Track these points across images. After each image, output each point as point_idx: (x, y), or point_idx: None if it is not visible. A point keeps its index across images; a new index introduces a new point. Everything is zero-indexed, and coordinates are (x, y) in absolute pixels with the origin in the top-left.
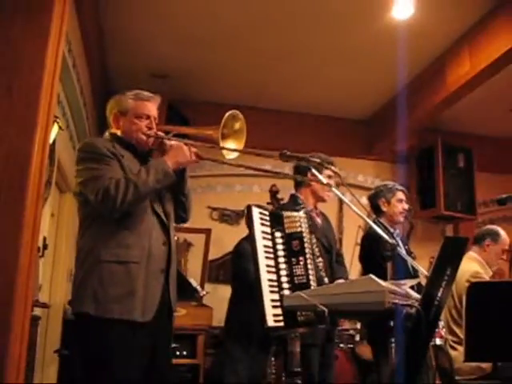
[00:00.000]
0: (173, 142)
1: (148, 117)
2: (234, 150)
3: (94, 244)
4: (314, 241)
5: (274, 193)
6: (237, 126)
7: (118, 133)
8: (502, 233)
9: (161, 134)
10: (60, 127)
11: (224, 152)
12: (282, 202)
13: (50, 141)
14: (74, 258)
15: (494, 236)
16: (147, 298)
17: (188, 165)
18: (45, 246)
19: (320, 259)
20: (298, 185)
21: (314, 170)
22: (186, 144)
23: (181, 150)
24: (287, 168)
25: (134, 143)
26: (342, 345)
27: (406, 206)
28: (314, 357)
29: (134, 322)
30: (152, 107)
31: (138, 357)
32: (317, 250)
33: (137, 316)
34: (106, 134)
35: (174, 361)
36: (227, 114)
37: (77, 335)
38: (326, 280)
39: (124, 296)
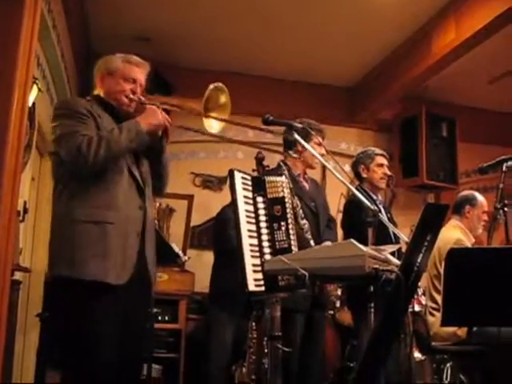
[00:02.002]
0: (149, 106)
1: (134, 81)
2: (215, 118)
3: (69, 205)
4: (298, 203)
5: (259, 160)
6: (222, 99)
7: (101, 93)
8: (478, 196)
9: (143, 99)
10: (39, 89)
11: (206, 125)
12: (267, 169)
13: (30, 103)
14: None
15: (472, 201)
16: (122, 260)
17: (160, 128)
18: (25, 210)
19: (305, 221)
20: (286, 151)
21: (298, 137)
22: (158, 107)
23: (154, 112)
24: (269, 134)
25: (115, 105)
26: None
27: (387, 171)
28: (295, 323)
29: (108, 284)
30: (140, 73)
31: (112, 319)
32: (301, 211)
33: (111, 278)
34: (88, 97)
35: (156, 325)
36: (211, 87)
37: (54, 298)
38: (311, 242)
39: (99, 257)
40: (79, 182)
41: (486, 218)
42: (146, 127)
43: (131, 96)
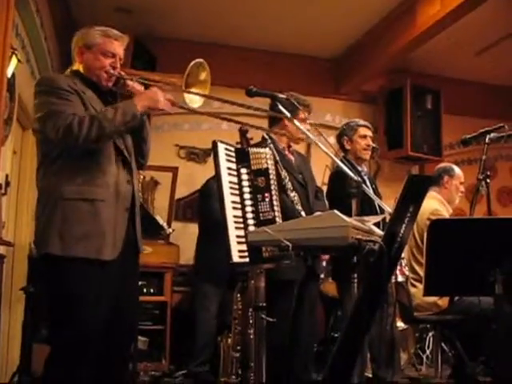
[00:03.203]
0: (136, 84)
1: (114, 55)
2: (197, 94)
3: (56, 182)
4: (286, 175)
5: (243, 132)
6: (202, 76)
7: (80, 69)
8: (455, 167)
9: (123, 74)
10: (19, 60)
11: (187, 100)
12: (252, 142)
13: (9, 74)
14: (36, 198)
15: (450, 172)
16: (113, 236)
17: (157, 111)
18: (7, 184)
19: (294, 193)
20: (271, 125)
21: (282, 108)
22: (145, 85)
23: (155, 95)
24: (255, 106)
25: (95, 80)
26: None
27: (370, 142)
28: (287, 294)
29: (100, 260)
30: (119, 47)
31: (105, 295)
32: (289, 184)
33: (103, 254)
34: (67, 71)
35: (141, 298)
36: (192, 63)
37: (44, 276)
38: (303, 214)
39: (90, 234)
40: (66, 158)
41: (462, 189)
42: (142, 109)
43: (111, 71)
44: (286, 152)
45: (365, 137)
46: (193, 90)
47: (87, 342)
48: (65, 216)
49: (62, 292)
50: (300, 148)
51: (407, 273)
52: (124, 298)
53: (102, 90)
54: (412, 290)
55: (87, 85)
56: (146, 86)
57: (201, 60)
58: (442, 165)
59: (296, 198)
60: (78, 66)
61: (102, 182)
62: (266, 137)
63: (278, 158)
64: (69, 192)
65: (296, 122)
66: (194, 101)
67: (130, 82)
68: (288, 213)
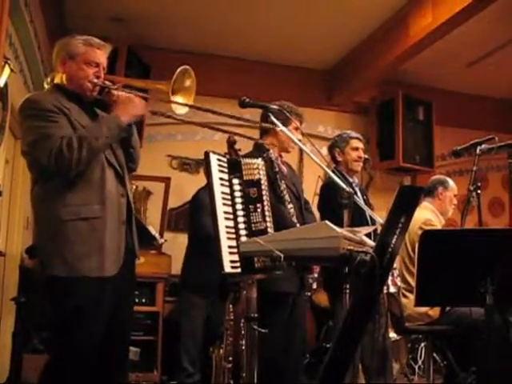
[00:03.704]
0: (121, 93)
1: (97, 65)
2: (185, 105)
3: (53, 205)
4: (284, 187)
5: (231, 143)
6: (187, 82)
7: (62, 80)
8: (450, 180)
9: (108, 83)
10: (12, 69)
11: (173, 107)
12: (240, 153)
13: (1, 83)
14: (33, 219)
15: (444, 183)
16: (113, 251)
17: (139, 116)
18: None
19: (291, 205)
20: (262, 134)
21: (274, 119)
22: (136, 96)
23: (131, 102)
24: (247, 117)
25: (79, 92)
26: None
27: (362, 154)
28: (279, 305)
29: (102, 277)
30: (102, 55)
31: (105, 310)
32: (287, 196)
33: (105, 271)
34: (46, 83)
35: (134, 308)
36: (179, 70)
37: (49, 298)
38: (298, 226)
39: (91, 253)
40: (59, 180)
41: (455, 201)
42: (127, 119)
43: (95, 80)
44: (279, 162)
45: (356, 149)
46: (178, 96)
47: (87, 354)
48: (66, 238)
49: (64, 312)
50: (292, 159)
51: (399, 283)
52: (121, 310)
53: (86, 100)
54: (403, 300)
55: (70, 98)
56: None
57: (187, 67)
58: (437, 176)
59: (292, 210)
60: (59, 77)
61: (98, 199)
62: (264, 146)
63: (276, 169)
64: (66, 213)
65: (287, 131)
66: (179, 107)
67: (114, 92)
68: (286, 224)
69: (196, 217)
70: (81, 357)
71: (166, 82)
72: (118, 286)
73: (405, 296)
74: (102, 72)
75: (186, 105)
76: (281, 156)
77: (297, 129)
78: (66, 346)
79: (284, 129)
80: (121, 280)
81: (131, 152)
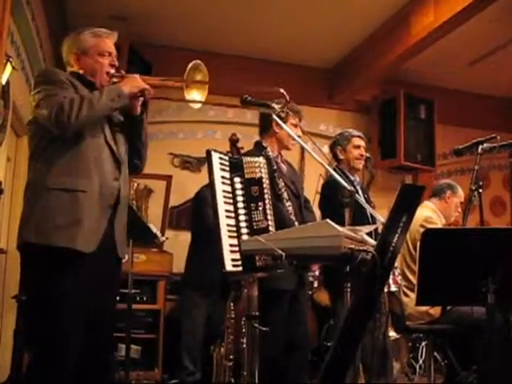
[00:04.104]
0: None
1: (110, 53)
2: (196, 102)
3: (42, 173)
4: (282, 185)
5: (233, 141)
6: (199, 77)
7: (80, 71)
8: (459, 186)
9: (124, 73)
10: (14, 67)
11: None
12: (242, 151)
13: (3, 81)
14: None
15: (453, 189)
16: (91, 228)
17: (140, 91)
18: (1, 191)
19: (290, 203)
20: (262, 132)
21: (276, 117)
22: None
23: (134, 79)
24: (248, 115)
25: (95, 82)
26: None
27: (363, 152)
28: (280, 303)
29: (76, 251)
30: (111, 44)
31: (80, 287)
32: (285, 194)
33: (77, 245)
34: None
35: (134, 306)
36: (190, 65)
37: (21, 268)
38: (296, 224)
39: (68, 225)
40: (54, 150)
41: (460, 210)
42: (128, 89)
43: (112, 71)
44: (279, 160)
45: (358, 147)
46: (192, 92)
47: (64, 336)
48: (45, 206)
49: (37, 280)
50: (294, 157)
51: (400, 282)
52: (99, 314)
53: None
54: (404, 299)
55: (85, 84)
56: None
57: (198, 61)
58: (447, 181)
59: (291, 208)
60: (76, 70)
61: (86, 173)
62: (262, 144)
63: (275, 167)
64: (52, 182)
65: (287, 128)
66: (195, 99)
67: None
68: (284, 222)
69: (198, 210)
70: (56, 333)
71: (178, 79)
72: (96, 266)
73: (406, 295)
74: (115, 60)
75: (199, 101)
76: (280, 154)
77: (295, 125)
78: (41, 324)
79: (284, 126)
80: (99, 267)
81: (139, 147)
